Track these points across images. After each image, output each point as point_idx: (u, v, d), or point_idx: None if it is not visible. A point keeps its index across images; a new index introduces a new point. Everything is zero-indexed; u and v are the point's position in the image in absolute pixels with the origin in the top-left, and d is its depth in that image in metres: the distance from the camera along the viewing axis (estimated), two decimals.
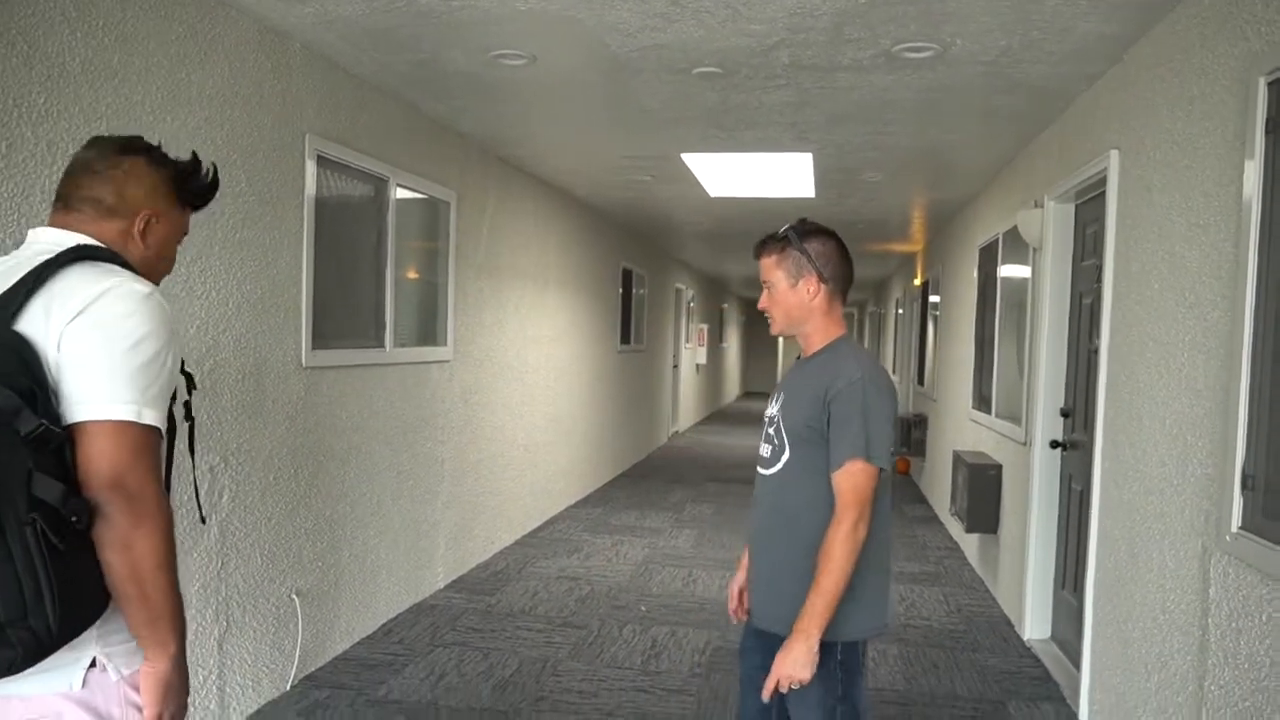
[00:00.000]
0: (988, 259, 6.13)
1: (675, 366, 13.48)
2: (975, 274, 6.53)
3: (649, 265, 10.92)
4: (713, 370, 18.06)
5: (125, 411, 1.34)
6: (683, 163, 5.88)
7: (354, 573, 4.25)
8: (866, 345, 22.84)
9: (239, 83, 3.33)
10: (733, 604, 2.44)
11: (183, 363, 1.53)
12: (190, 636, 3.14)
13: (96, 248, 1.46)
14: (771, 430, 2.22)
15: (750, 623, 2.30)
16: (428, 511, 5.02)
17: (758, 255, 2.22)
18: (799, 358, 2.29)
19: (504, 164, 5.99)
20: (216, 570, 3.28)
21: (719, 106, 4.50)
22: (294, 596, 3.76)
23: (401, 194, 4.63)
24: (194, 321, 3.13)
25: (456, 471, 5.38)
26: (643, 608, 5.02)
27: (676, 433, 13.70)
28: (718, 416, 17.43)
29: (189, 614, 3.12)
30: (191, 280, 3.11)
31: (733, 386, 22.39)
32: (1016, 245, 5.18)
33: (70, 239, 1.46)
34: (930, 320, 9.36)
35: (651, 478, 9.58)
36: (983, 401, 6.09)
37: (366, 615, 4.38)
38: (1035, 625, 4.61)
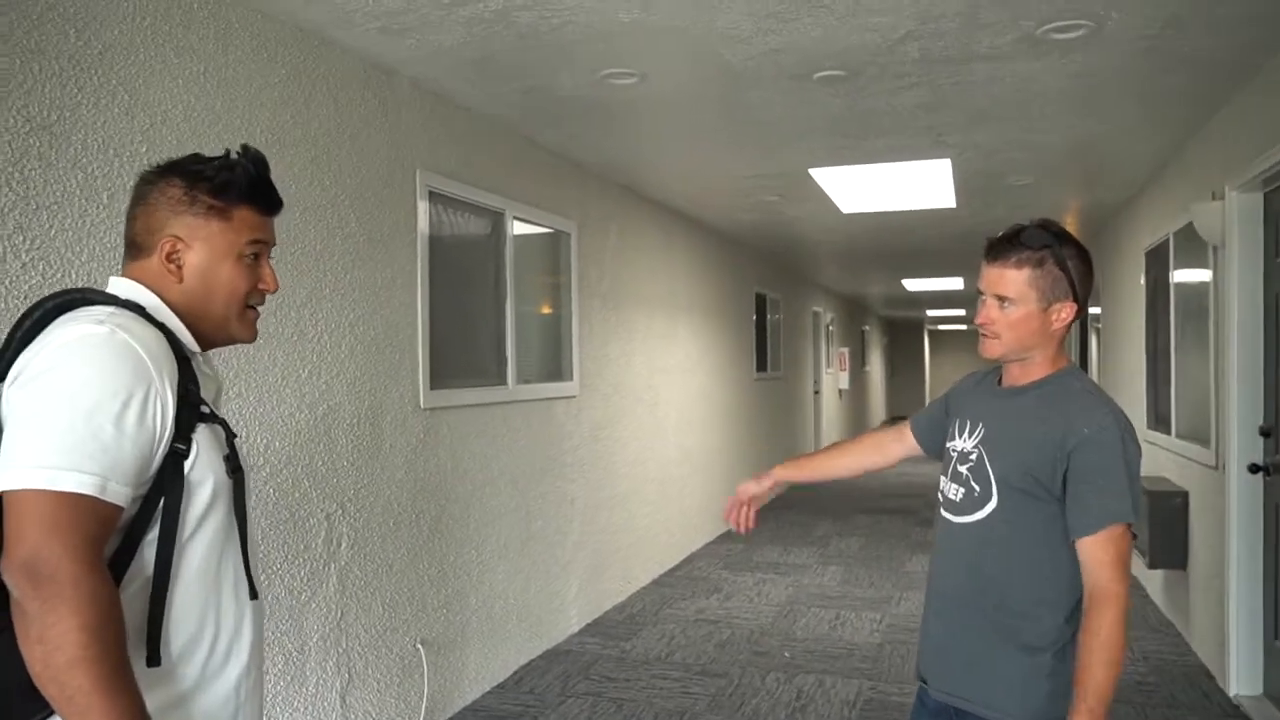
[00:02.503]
0: (1156, 263, 5.53)
1: (816, 393, 13.02)
2: (1142, 280, 5.92)
3: (783, 289, 10.58)
4: (856, 395, 17.43)
5: (35, 478, 1.13)
6: (811, 179, 5.59)
7: (481, 619, 4.11)
8: None
9: (345, 121, 3.28)
10: (735, 513, 2.27)
11: (207, 408, 1.33)
12: (312, 690, 3.06)
13: (84, 292, 1.30)
14: (966, 470, 1.85)
15: (927, 689, 1.94)
16: (559, 553, 4.86)
17: (997, 259, 1.78)
18: (997, 382, 1.93)
19: (626, 191, 5.85)
20: (336, 620, 3.19)
21: (845, 114, 4.20)
22: (419, 646, 3.64)
23: (519, 227, 4.53)
24: (305, 365, 3.07)
25: (588, 510, 5.21)
26: (787, 654, 4.69)
27: None
28: None
29: (307, 666, 3.05)
30: (303, 323, 3.05)
31: (878, 411, 21.59)
32: (1192, 245, 4.62)
33: (101, 289, 1.33)
34: (1092, 333, 8.64)
35: (795, 509, 9.18)
36: (1159, 421, 5.47)
37: (496, 663, 4.23)
38: (1243, 679, 4.01)
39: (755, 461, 9.17)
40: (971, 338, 28.00)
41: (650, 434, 6.24)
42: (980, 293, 1.85)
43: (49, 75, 2.26)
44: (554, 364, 4.98)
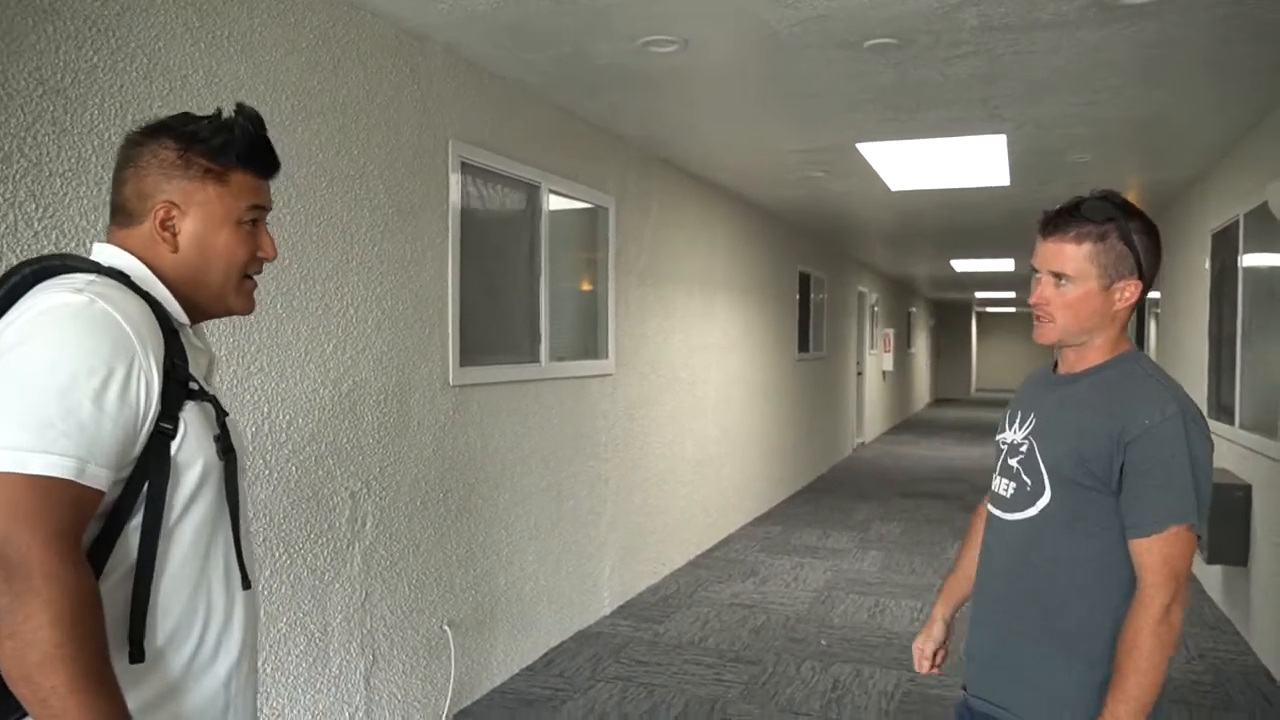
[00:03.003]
0: (1224, 245, 5.26)
1: (859, 374, 12.79)
2: (1207, 263, 5.65)
3: (828, 268, 10.36)
4: (900, 377, 17.13)
5: (1, 460, 1.04)
6: (859, 154, 5.39)
7: (511, 600, 4.04)
8: None
9: (375, 89, 3.18)
10: (924, 664, 1.97)
11: (196, 385, 1.22)
12: (335, 671, 3.00)
13: (65, 259, 1.20)
14: (1017, 463, 1.71)
15: (970, 697, 1.80)
16: (591, 533, 4.78)
17: (1054, 233, 1.62)
18: (1053, 368, 1.77)
19: (666, 165, 5.70)
20: (361, 601, 3.12)
21: (896, 85, 4.01)
22: (446, 628, 3.57)
23: (555, 201, 4.42)
24: (330, 340, 2.99)
25: (622, 490, 5.11)
26: (823, 641, 4.56)
27: (862, 444, 12.99)
28: (907, 426, 16.49)
29: (330, 647, 2.99)
30: (328, 297, 2.97)
31: (923, 393, 21.24)
32: (1264, 225, 4.36)
33: (84, 254, 1.24)
34: (1150, 318, 8.33)
35: (835, 493, 9.02)
36: (1222, 410, 5.22)
37: (526, 645, 4.17)
38: None
39: (796, 442, 9.02)
40: (1022, 321, 27.43)
41: (688, 413, 6.12)
42: (1035, 271, 1.69)
43: (64, 36, 2.18)
44: (589, 341, 4.87)
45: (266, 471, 2.74)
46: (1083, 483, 1.60)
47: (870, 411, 13.65)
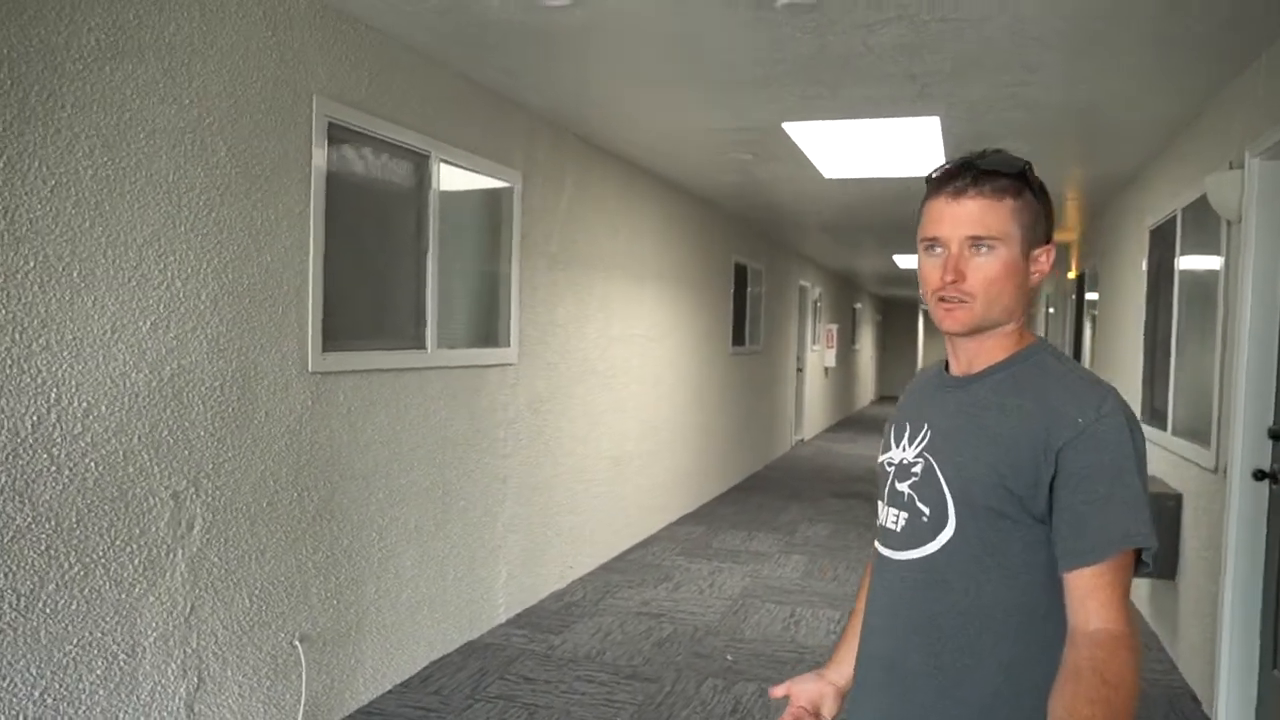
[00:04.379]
0: (1161, 243, 5.04)
1: (800, 370, 12.56)
2: (1144, 262, 5.44)
3: (766, 260, 10.07)
4: (843, 373, 16.98)
5: None
6: (785, 135, 5.07)
7: (383, 610, 3.66)
8: None
9: (215, 31, 2.77)
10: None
11: None
12: (145, 697, 2.60)
13: None
14: (909, 489, 1.37)
15: None
16: (485, 536, 4.41)
17: (967, 190, 1.31)
18: (944, 368, 1.44)
19: (583, 143, 5.34)
20: (184, 616, 2.73)
21: (816, 55, 3.69)
22: (297, 643, 3.19)
23: (448, 173, 4.03)
24: (148, 316, 2.58)
25: (523, 490, 4.75)
26: (729, 657, 4.25)
27: (801, 441, 12.77)
28: (849, 423, 16.33)
29: (140, 671, 2.59)
30: (145, 265, 2.56)
31: (866, 390, 21.16)
32: (1203, 222, 4.13)
33: None
34: (1088, 320, 8.17)
35: (767, 491, 8.74)
36: (1155, 416, 5.01)
37: (401, 659, 3.79)
38: (1232, 709, 3.58)
39: (728, 439, 8.72)
40: None
41: (604, 407, 5.77)
42: (930, 245, 1.35)
43: None
44: (488, 328, 4.49)
45: (53, 468, 2.33)
46: (999, 508, 1.26)
47: (810, 408, 13.44)
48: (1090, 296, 7.92)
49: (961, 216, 1.31)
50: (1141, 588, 5.17)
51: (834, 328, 15.00)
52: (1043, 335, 12.42)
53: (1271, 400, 3.43)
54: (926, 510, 1.34)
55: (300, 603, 3.21)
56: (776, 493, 8.70)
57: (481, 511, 4.37)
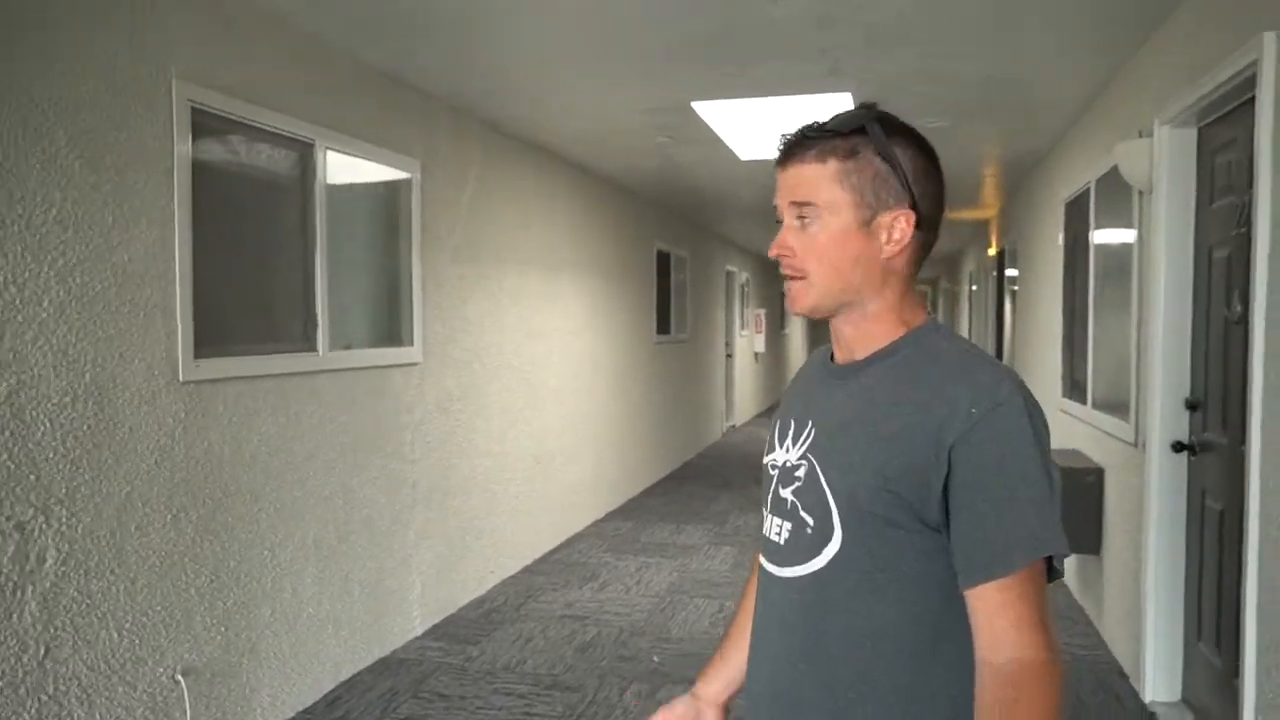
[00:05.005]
0: (1076, 215, 5.02)
1: (729, 356, 12.48)
2: (1060, 236, 5.42)
3: (690, 246, 9.93)
4: (774, 358, 16.98)
5: None
6: (696, 115, 4.91)
7: (280, 633, 3.41)
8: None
9: (47, 4, 2.48)
10: None
11: None
12: None
13: None
14: (792, 495, 1.21)
15: None
16: (395, 545, 4.17)
17: (791, 156, 1.17)
18: (829, 357, 1.28)
19: (488, 129, 5.10)
20: (36, 660, 2.45)
21: (721, 29, 3.52)
22: (179, 677, 2.93)
23: (338, 163, 3.77)
24: None
25: (434, 494, 4.52)
26: (655, 658, 4.10)
27: (733, 427, 12.71)
28: None
29: None
30: None
31: None
32: (1114, 193, 4.08)
33: None
34: (1008, 296, 8.20)
35: (697, 481, 8.62)
36: (1075, 388, 4.99)
37: (304, 683, 3.55)
38: (1159, 683, 3.54)
39: (655, 429, 8.58)
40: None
41: (522, 404, 5.56)
42: (779, 221, 1.21)
43: None
44: (390, 327, 4.25)
45: None
46: (888, 515, 1.10)
47: (741, 394, 13.38)
48: (1010, 273, 7.95)
49: (786, 184, 1.18)
50: (1069, 564, 5.16)
51: (763, 312, 14.97)
52: (965, 312, 12.37)
53: (1188, 371, 3.38)
54: (811, 520, 1.17)
55: (181, 633, 2.95)
56: (707, 481, 8.59)
57: (390, 520, 4.13)
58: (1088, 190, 4.63)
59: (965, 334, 12.68)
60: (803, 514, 1.18)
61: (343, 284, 3.82)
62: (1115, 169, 3.82)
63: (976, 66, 4.02)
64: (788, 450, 1.24)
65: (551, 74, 4.20)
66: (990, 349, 9.45)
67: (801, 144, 1.16)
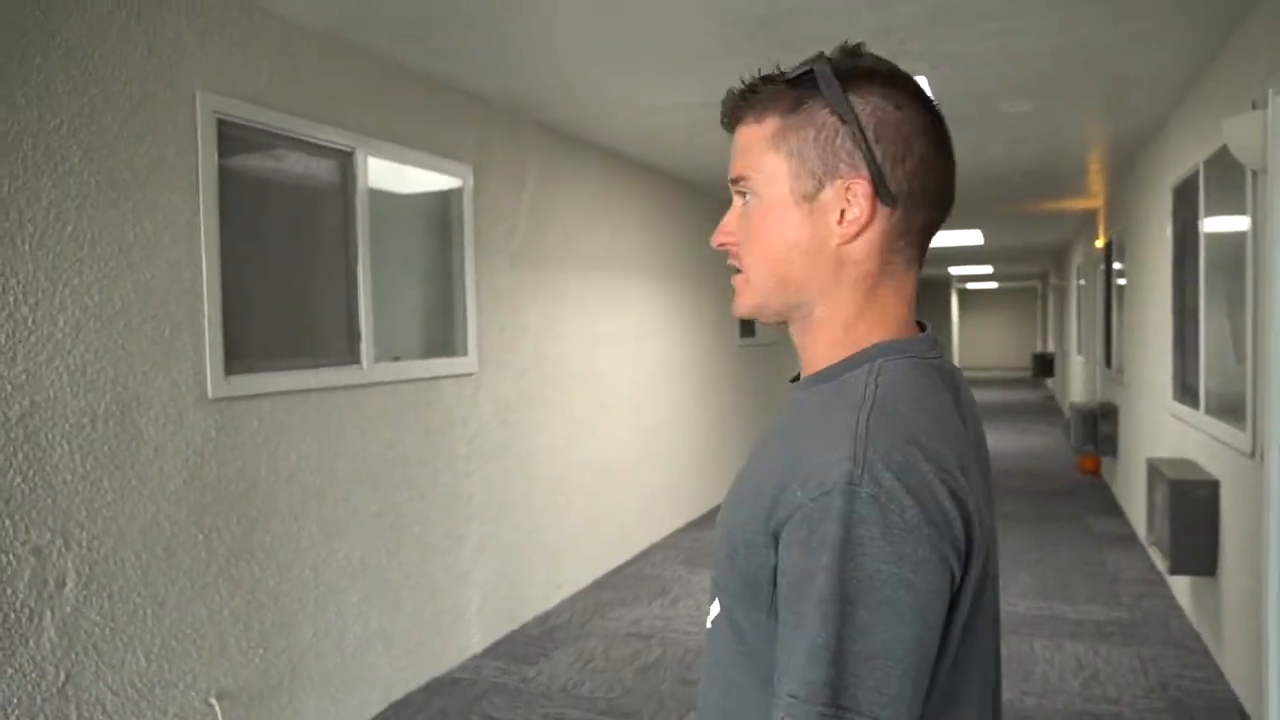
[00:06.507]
0: (1185, 201, 4.56)
1: None
2: (1169, 225, 4.95)
3: None
4: None
5: None
6: None
7: (323, 654, 3.33)
8: (1047, 327, 19.81)
9: (55, 22, 2.44)
10: None
11: None
12: None
13: None
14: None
15: None
16: (449, 561, 4.07)
17: (735, 115, 0.93)
18: (795, 378, 1.02)
19: (547, 131, 4.97)
20: (56, 686, 2.41)
21: (769, 14, 3.28)
22: (212, 701, 2.86)
23: (382, 169, 3.68)
24: None
25: (493, 508, 4.40)
26: None
27: None
28: None
29: None
30: None
31: None
32: (1226, 173, 3.66)
33: None
34: (1115, 290, 7.64)
35: None
36: (1186, 393, 4.54)
37: (350, 705, 3.46)
38: None
39: (739, 437, 8.32)
40: (1004, 298, 26.81)
41: (587, 412, 5.41)
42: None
43: None
44: (442, 337, 4.15)
45: None
46: (737, 592, 0.87)
47: None
48: (1117, 265, 7.40)
49: (732, 157, 0.94)
50: (1182, 583, 4.70)
51: None
52: (1073, 308, 11.60)
53: None
54: (713, 573, 0.96)
55: (215, 656, 2.88)
56: None
57: (443, 535, 4.02)
58: (1196, 173, 4.19)
59: (1074, 332, 11.95)
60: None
61: (390, 294, 3.73)
62: (1225, 148, 3.41)
63: (1056, 41, 3.65)
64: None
65: (604, 72, 4.02)
66: (1098, 350, 8.84)
67: (743, 101, 0.91)
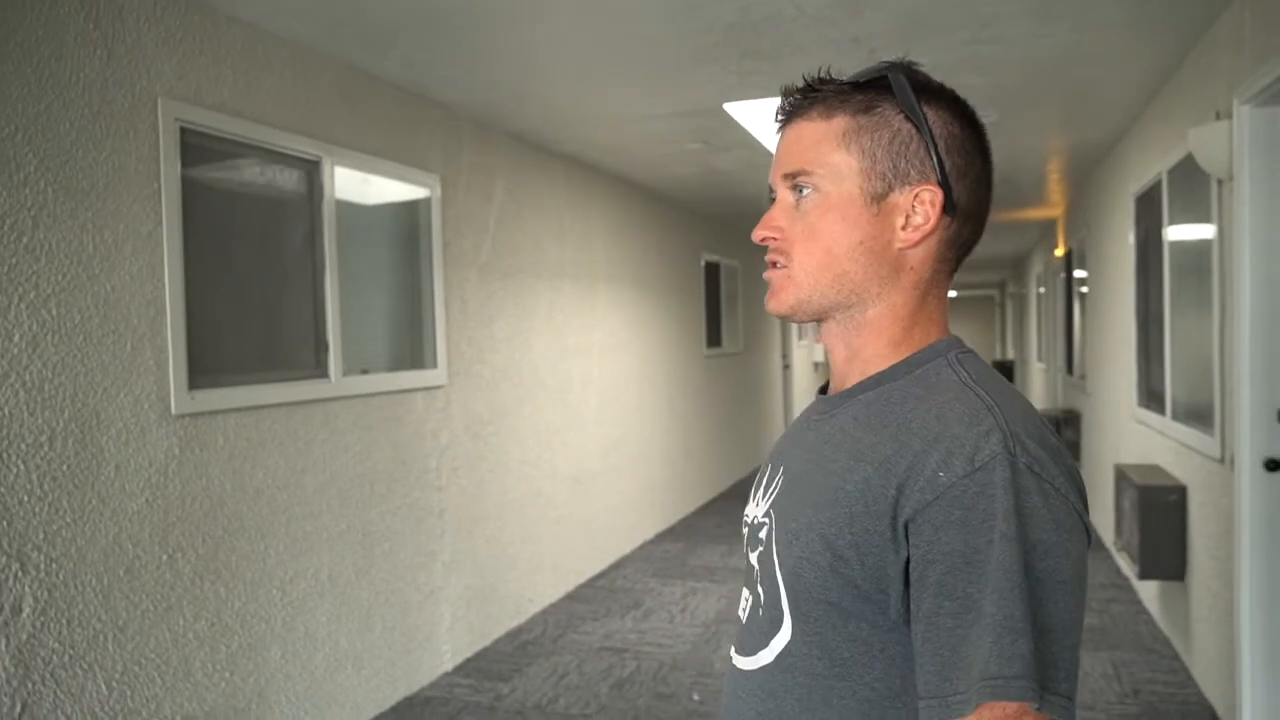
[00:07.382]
0: (1148, 209, 4.63)
1: (786, 367, 12.14)
2: (1131, 233, 5.02)
3: (741, 256, 9.65)
4: None
5: None
6: (730, 118, 4.66)
7: (291, 675, 3.24)
8: (1006, 335, 20.04)
9: (13, 26, 2.36)
10: None
11: None
12: None
13: None
14: (755, 560, 0.95)
15: None
16: (420, 577, 3.99)
17: (795, 113, 0.93)
18: (822, 390, 1.02)
19: (516, 141, 4.92)
20: (12, 717, 2.31)
21: (741, 21, 3.27)
22: None
23: (348, 179, 3.61)
24: None
25: (464, 522, 4.32)
26: (695, 696, 3.83)
27: None
28: None
29: None
30: None
31: None
32: (1189, 182, 3.71)
33: None
34: (1077, 299, 7.74)
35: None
36: (1152, 398, 4.59)
37: None
38: None
39: (708, 446, 8.30)
40: (966, 306, 26.95)
41: (558, 424, 5.35)
42: (771, 195, 0.96)
43: None
44: (411, 349, 4.08)
45: None
46: (840, 603, 0.82)
47: (800, 406, 13.01)
48: (1079, 274, 7.50)
49: (782, 149, 0.93)
50: (1150, 588, 4.75)
51: None
52: (1033, 317, 11.81)
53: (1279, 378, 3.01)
54: (764, 595, 0.91)
55: (179, 680, 2.79)
56: None
57: (413, 551, 3.95)
58: (1159, 182, 4.25)
59: (1034, 340, 12.11)
60: (759, 588, 0.93)
61: (358, 306, 3.66)
62: (1190, 157, 3.46)
63: (1024, 51, 3.69)
64: (758, 503, 0.99)
65: (573, 82, 3.99)
66: (1059, 357, 8.96)
67: (806, 99, 0.91)
